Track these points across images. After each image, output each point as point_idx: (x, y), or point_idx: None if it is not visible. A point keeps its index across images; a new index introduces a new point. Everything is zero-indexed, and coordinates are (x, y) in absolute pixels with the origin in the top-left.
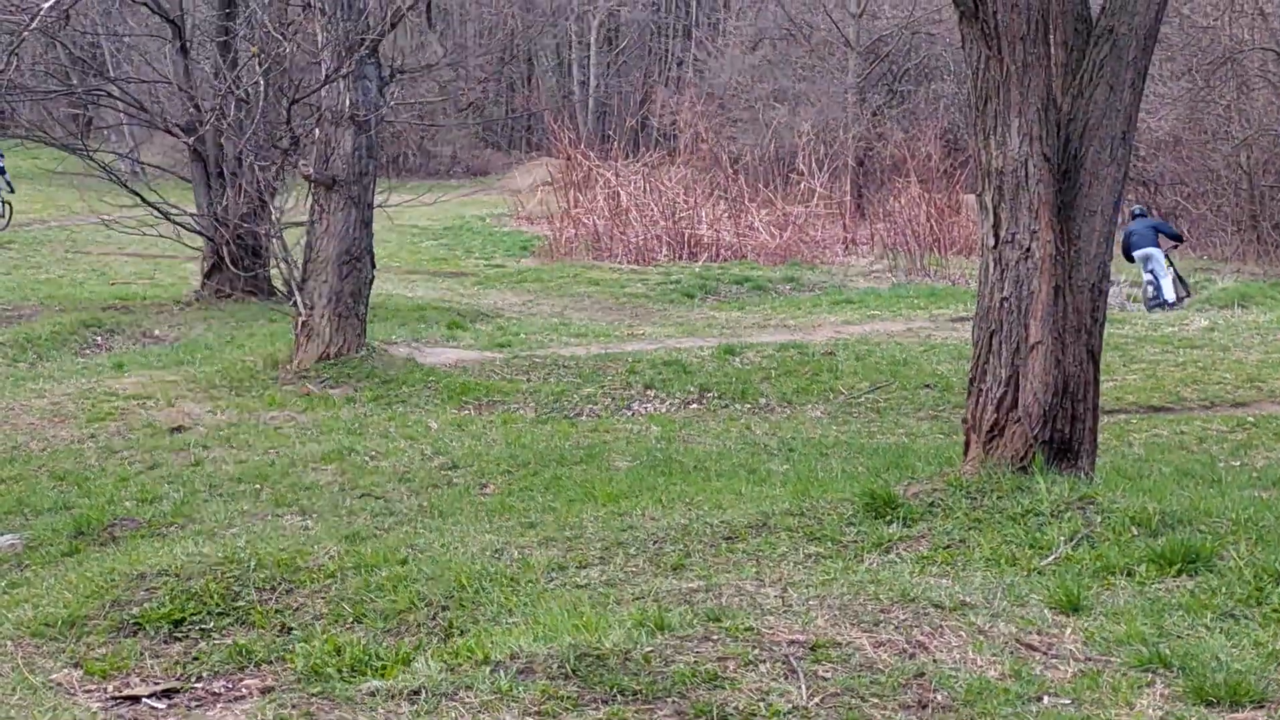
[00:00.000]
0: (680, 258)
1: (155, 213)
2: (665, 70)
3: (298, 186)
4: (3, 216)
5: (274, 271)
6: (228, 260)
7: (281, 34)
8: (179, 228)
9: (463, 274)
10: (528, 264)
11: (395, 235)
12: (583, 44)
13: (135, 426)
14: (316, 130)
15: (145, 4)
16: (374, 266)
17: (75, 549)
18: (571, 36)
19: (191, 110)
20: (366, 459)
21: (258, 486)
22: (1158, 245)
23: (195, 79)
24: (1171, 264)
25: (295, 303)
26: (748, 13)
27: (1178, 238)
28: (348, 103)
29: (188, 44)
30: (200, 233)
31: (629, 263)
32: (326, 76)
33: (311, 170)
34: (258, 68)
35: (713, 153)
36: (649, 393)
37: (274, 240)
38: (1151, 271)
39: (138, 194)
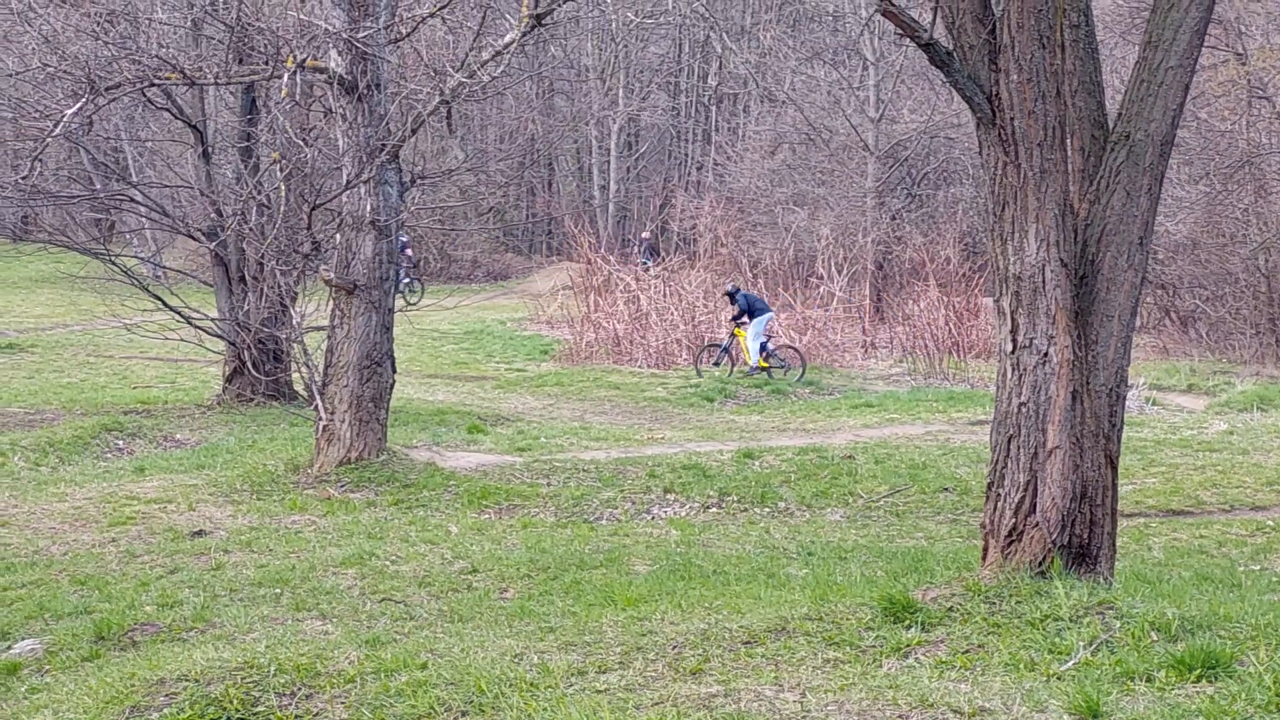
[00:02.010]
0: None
1: (177, 317)
2: (685, 174)
3: (319, 291)
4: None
5: (295, 376)
6: (249, 364)
7: (303, 140)
8: (201, 332)
9: (483, 378)
10: (548, 368)
11: (416, 339)
12: (603, 148)
13: (156, 530)
14: (337, 235)
15: (168, 109)
16: (395, 371)
17: (95, 654)
18: (592, 141)
19: (213, 215)
20: (387, 563)
21: (278, 591)
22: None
23: (217, 184)
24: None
25: (316, 407)
26: (767, 117)
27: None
28: (369, 208)
29: (210, 149)
30: (222, 337)
31: (649, 366)
32: (348, 182)
33: (333, 275)
34: (279, 173)
35: (732, 256)
36: (669, 496)
37: (295, 344)
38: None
39: (159, 298)
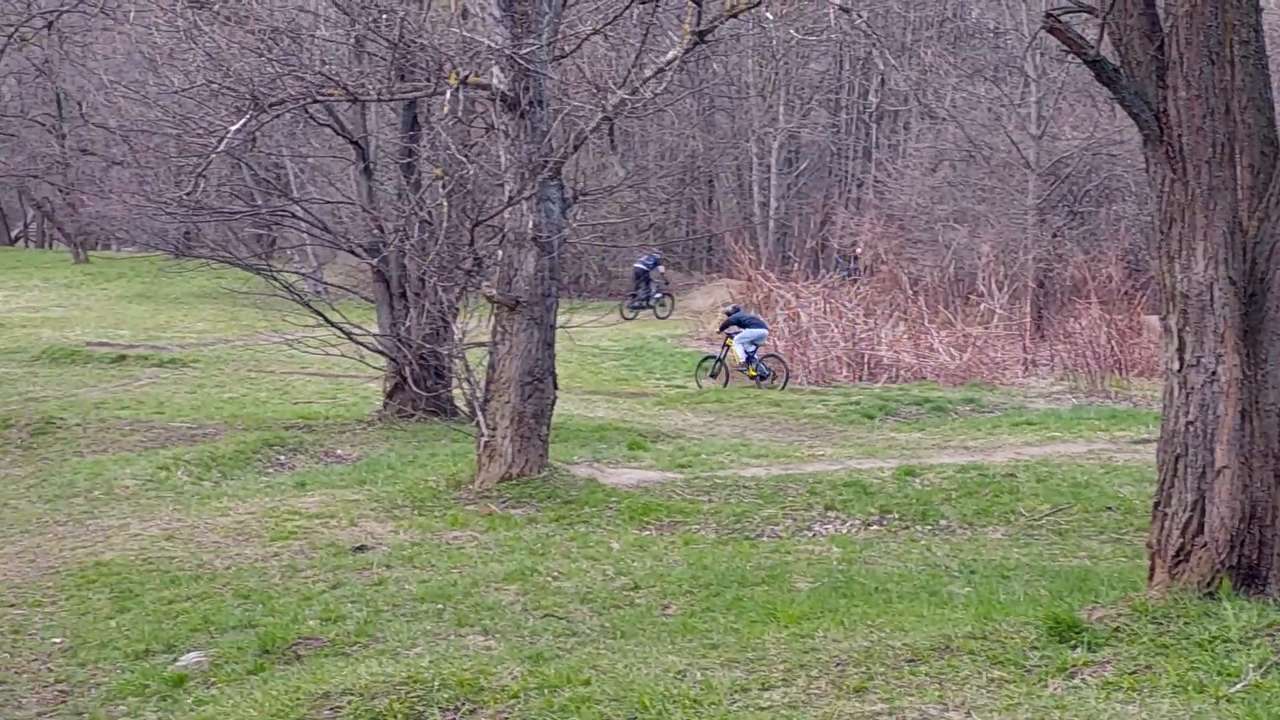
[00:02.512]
0: (860, 379)
1: (338, 333)
2: (845, 191)
3: (480, 307)
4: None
5: (456, 392)
6: (410, 380)
7: (465, 156)
8: (362, 348)
9: (643, 394)
10: (708, 384)
11: (576, 356)
12: (763, 165)
13: (318, 545)
14: (499, 251)
15: (329, 126)
16: (556, 387)
17: (260, 667)
18: (752, 158)
19: (375, 231)
20: (549, 579)
21: (440, 606)
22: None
23: (378, 200)
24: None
25: (478, 423)
26: (927, 134)
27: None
28: (531, 224)
29: (371, 165)
30: (383, 353)
31: (809, 383)
32: (510, 198)
33: (494, 291)
34: (441, 189)
35: (892, 274)
36: (829, 514)
37: (457, 360)
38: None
39: (321, 314)
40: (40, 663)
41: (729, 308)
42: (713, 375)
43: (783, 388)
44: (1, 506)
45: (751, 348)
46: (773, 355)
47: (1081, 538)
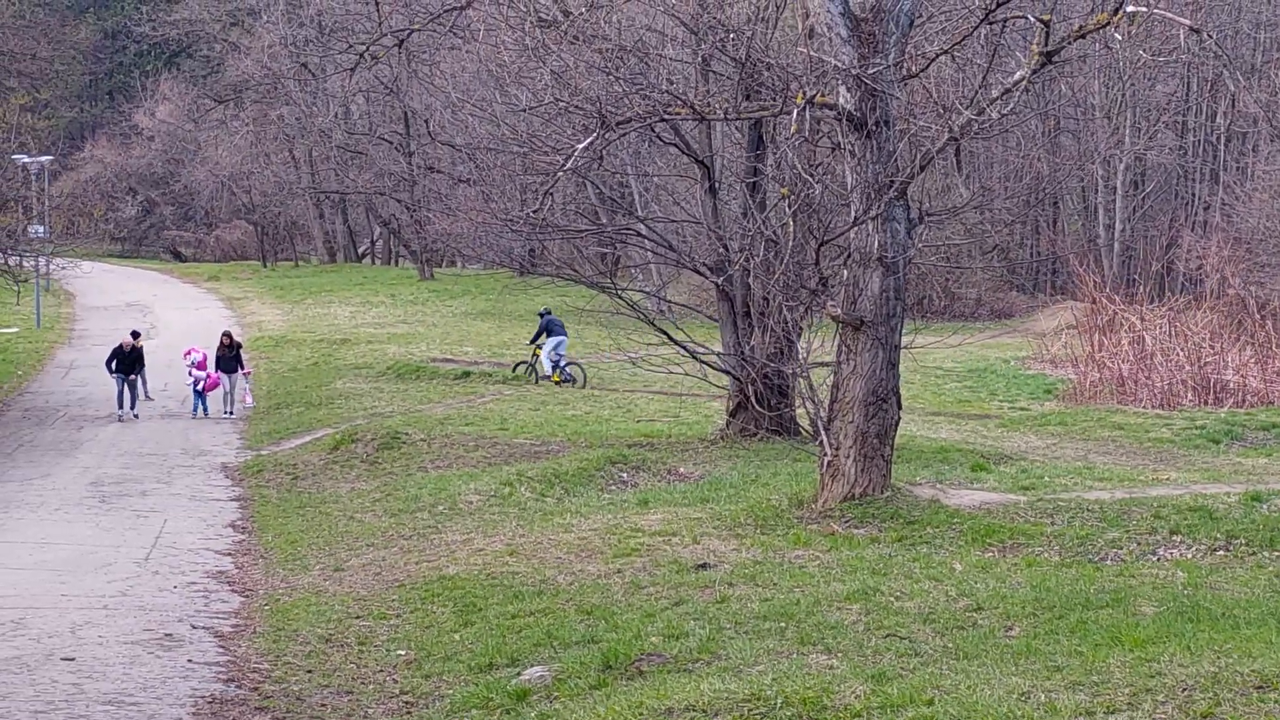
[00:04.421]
0: (1205, 403)
1: (682, 351)
2: (1191, 214)
3: (824, 327)
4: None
5: (799, 411)
6: (753, 399)
7: (810, 175)
8: (705, 366)
9: (986, 416)
10: (1051, 407)
11: (919, 376)
12: (1109, 187)
13: (660, 562)
14: (844, 271)
15: (675, 144)
16: (900, 407)
17: (603, 682)
18: (1098, 180)
19: (720, 250)
20: (891, 599)
21: (782, 624)
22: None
23: (723, 219)
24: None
25: (821, 442)
26: (1277, 156)
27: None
28: (876, 244)
29: (716, 184)
30: (727, 371)
31: (1153, 407)
32: (856, 218)
33: (839, 311)
34: (787, 209)
35: (1240, 298)
36: (1174, 538)
37: (800, 380)
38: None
39: (665, 332)
40: (385, 674)
41: (542, 310)
42: (523, 378)
43: (583, 386)
44: (348, 520)
45: (556, 356)
46: (573, 363)
47: None
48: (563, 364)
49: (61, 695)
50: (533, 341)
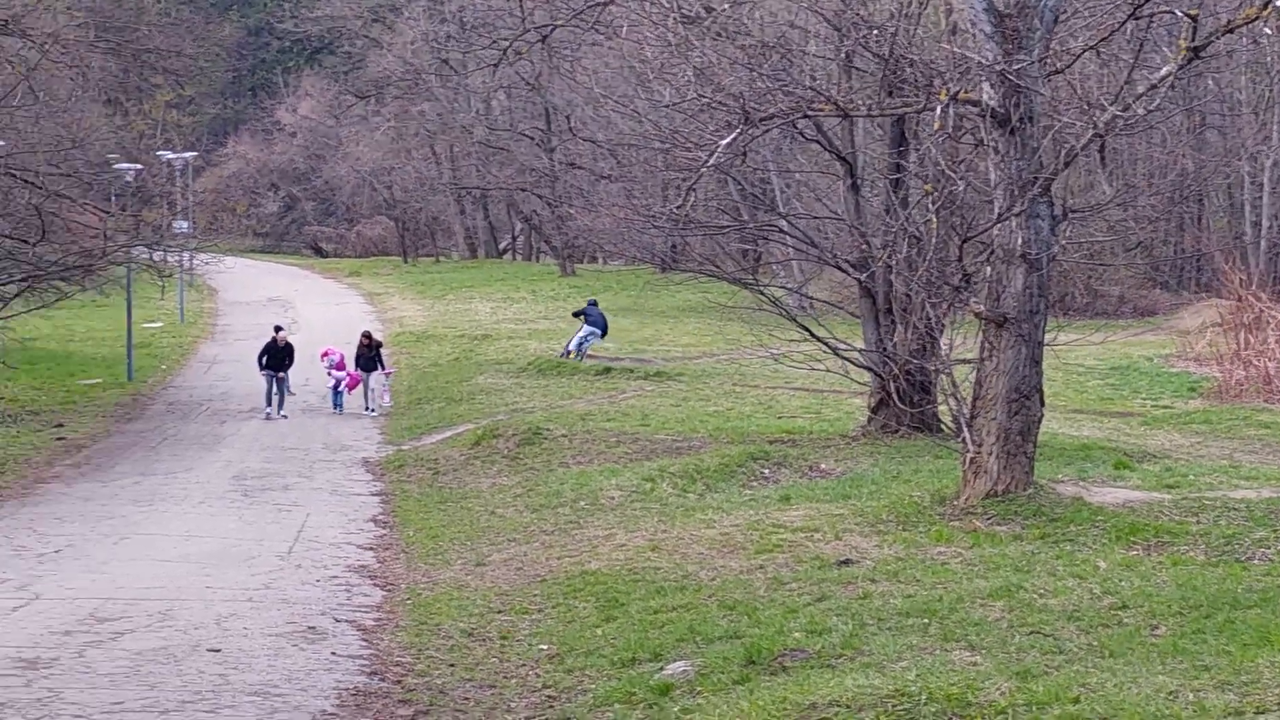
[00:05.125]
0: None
1: (824, 348)
2: None
3: (966, 323)
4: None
5: (941, 408)
6: (895, 396)
7: (954, 172)
8: (847, 363)
9: (1129, 414)
10: (1195, 405)
11: (1061, 374)
12: (1255, 184)
13: (803, 558)
14: (987, 268)
15: (817, 141)
16: (1043, 404)
17: (746, 677)
18: (1244, 176)
19: (862, 247)
20: (1034, 596)
21: (925, 621)
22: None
23: (865, 216)
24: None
25: (963, 439)
26: None
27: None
28: (1019, 241)
29: (859, 181)
30: (868, 368)
31: None
32: (999, 215)
33: (982, 307)
34: (930, 205)
35: None
36: None
37: (943, 376)
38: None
39: (806, 329)
40: (528, 668)
41: (591, 300)
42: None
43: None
44: (489, 515)
45: (581, 340)
46: (593, 356)
47: None
48: (585, 349)
49: (208, 686)
50: (577, 315)
